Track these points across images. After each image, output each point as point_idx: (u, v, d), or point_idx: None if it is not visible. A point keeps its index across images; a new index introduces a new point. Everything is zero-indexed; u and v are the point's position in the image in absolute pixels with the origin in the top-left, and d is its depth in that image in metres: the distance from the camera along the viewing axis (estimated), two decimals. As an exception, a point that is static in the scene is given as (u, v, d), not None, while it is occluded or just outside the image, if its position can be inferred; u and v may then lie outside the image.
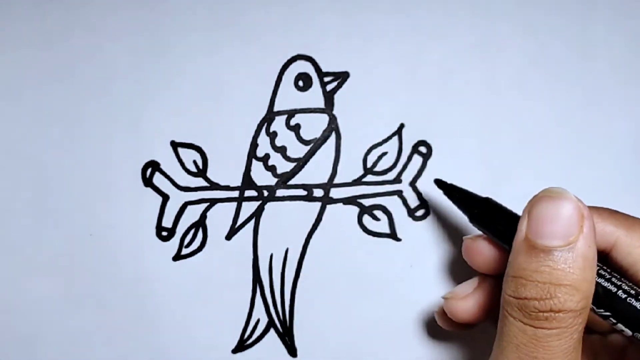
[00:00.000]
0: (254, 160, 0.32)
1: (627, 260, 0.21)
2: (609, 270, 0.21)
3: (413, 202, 0.31)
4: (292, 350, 0.31)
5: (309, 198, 0.32)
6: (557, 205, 0.20)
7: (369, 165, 0.32)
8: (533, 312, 0.19)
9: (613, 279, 0.20)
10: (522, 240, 0.20)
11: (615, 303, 0.20)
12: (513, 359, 0.19)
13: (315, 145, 0.32)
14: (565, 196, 0.20)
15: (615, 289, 0.20)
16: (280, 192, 0.32)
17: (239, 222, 0.32)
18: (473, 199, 0.26)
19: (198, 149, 0.32)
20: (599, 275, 0.20)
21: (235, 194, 0.32)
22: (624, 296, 0.20)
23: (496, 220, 0.25)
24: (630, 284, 0.20)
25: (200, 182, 0.32)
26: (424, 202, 0.31)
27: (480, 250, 0.24)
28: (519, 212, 0.24)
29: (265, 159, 0.32)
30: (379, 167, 0.32)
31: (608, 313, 0.20)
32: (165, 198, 0.32)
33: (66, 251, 0.32)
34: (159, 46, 0.32)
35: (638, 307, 0.20)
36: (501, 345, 0.19)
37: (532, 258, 0.19)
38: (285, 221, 0.31)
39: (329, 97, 0.32)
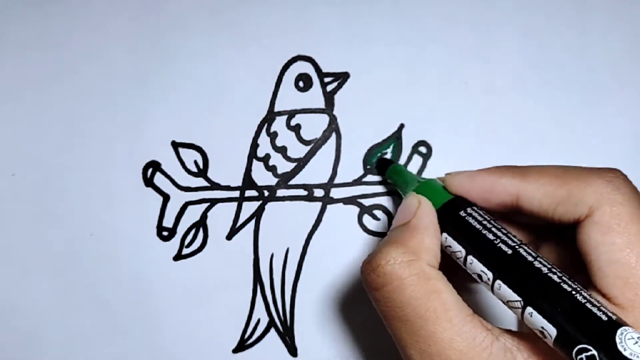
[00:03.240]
0: (254, 161, 0.32)
1: (533, 205, 0.22)
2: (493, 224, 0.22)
3: (413, 202, 0.31)
4: (292, 350, 0.32)
5: (310, 198, 0.32)
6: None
7: (369, 165, 0.32)
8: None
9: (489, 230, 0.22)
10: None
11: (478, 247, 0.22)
12: (392, 327, 0.22)
13: (316, 145, 0.32)
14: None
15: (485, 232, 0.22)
16: (280, 192, 0.32)
17: (240, 222, 0.32)
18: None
19: (199, 149, 0.32)
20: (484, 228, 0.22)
21: (236, 194, 0.32)
22: (491, 237, 0.21)
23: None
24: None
25: (201, 182, 0.32)
26: (424, 202, 0.31)
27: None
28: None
29: (265, 159, 0.32)
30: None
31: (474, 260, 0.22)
32: (166, 198, 0.32)
33: (66, 251, 0.32)
34: (160, 47, 0.32)
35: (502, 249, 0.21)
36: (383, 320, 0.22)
37: None
38: (285, 221, 0.32)
39: (329, 98, 0.32)
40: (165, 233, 0.32)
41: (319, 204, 0.32)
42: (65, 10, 0.32)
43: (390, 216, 0.31)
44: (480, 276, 0.21)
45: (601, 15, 0.32)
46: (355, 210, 0.32)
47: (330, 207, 0.32)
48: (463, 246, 0.22)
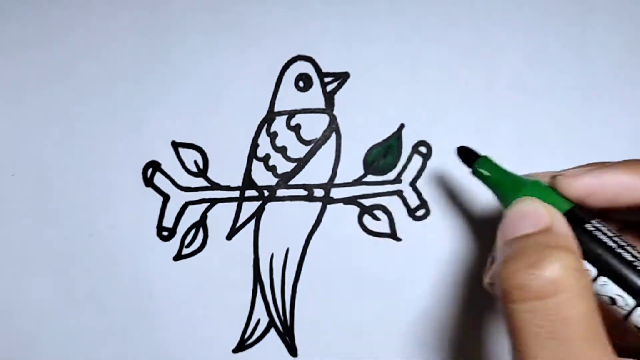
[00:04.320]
0: (254, 161, 0.32)
1: None
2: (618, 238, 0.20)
3: (413, 202, 0.32)
4: (292, 350, 0.31)
5: (310, 198, 0.32)
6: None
7: (369, 165, 0.32)
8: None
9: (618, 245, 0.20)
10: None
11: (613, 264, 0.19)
12: (537, 348, 0.17)
13: (316, 145, 0.32)
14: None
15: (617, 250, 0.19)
16: (280, 192, 0.32)
17: (240, 222, 0.32)
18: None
19: (199, 149, 0.32)
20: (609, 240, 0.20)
21: (236, 194, 0.32)
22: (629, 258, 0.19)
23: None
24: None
25: (201, 182, 0.32)
26: (424, 202, 0.31)
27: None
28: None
29: (265, 159, 0.32)
30: (380, 167, 0.32)
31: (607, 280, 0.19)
32: (166, 198, 0.32)
33: (66, 251, 0.32)
34: (160, 47, 0.32)
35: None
36: (519, 344, 0.18)
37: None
38: (285, 221, 0.31)
39: (329, 98, 0.32)
40: (165, 233, 0.32)
41: (319, 204, 0.32)
42: (65, 10, 0.32)
43: (390, 216, 0.31)
44: (614, 300, 0.19)
45: (601, 14, 0.32)
46: (356, 210, 0.32)
47: (330, 207, 0.32)
48: (594, 265, 0.19)
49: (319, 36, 0.32)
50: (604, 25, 0.32)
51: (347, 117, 0.32)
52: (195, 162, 0.32)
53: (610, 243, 0.19)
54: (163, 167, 0.32)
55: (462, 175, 0.32)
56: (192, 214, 0.32)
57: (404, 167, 0.32)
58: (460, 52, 0.32)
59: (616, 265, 0.19)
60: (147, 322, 0.31)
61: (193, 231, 0.32)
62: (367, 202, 0.32)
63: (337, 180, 0.32)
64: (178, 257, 0.32)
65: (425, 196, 0.32)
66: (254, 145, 0.32)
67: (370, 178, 0.32)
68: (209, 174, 0.32)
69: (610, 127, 0.32)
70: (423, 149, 0.32)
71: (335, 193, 0.32)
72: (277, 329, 0.32)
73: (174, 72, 0.32)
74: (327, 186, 0.32)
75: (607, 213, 0.21)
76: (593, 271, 0.19)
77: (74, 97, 0.32)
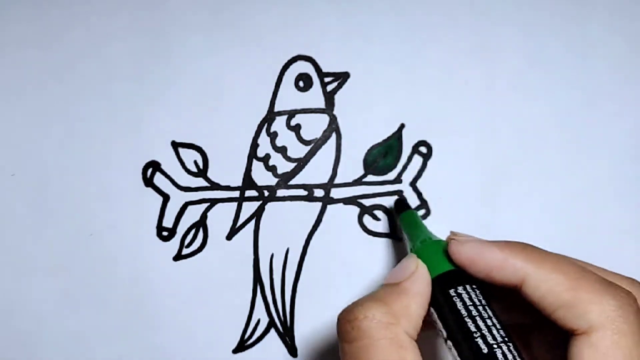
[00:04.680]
0: (254, 161, 0.32)
1: (535, 295, 0.21)
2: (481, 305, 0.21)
3: (413, 202, 0.31)
4: (292, 350, 0.31)
5: (310, 198, 0.32)
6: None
7: (369, 165, 0.32)
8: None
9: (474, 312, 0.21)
10: None
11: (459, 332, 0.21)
12: None
13: (316, 145, 0.32)
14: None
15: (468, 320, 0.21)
16: (280, 192, 0.32)
17: (240, 222, 0.32)
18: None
19: (199, 149, 0.32)
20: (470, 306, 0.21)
21: (236, 194, 0.32)
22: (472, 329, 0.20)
23: None
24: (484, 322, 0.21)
25: (200, 182, 0.32)
26: (424, 202, 0.31)
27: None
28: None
29: (265, 159, 0.32)
30: (380, 167, 0.32)
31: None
32: (166, 198, 0.32)
33: (66, 251, 0.32)
34: (160, 46, 0.32)
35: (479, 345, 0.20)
36: None
37: None
38: (285, 221, 0.31)
39: (329, 98, 0.32)
40: (165, 233, 0.32)
41: (319, 204, 0.31)
42: (65, 9, 0.32)
43: (390, 216, 0.31)
44: None
45: (602, 14, 0.32)
46: (356, 210, 0.32)
47: (330, 207, 0.31)
48: (444, 328, 0.21)
49: (319, 36, 0.32)
50: (604, 25, 0.32)
51: (347, 117, 0.32)
52: (195, 162, 0.32)
53: (463, 311, 0.21)
54: (163, 167, 0.32)
55: (462, 175, 0.32)
56: (192, 214, 0.32)
57: (404, 167, 0.32)
58: (460, 52, 0.32)
59: (457, 332, 0.20)
60: (147, 322, 0.31)
61: (193, 231, 0.32)
62: (367, 202, 0.32)
63: (337, 180, 0.32)
64: (178, 257, 0.32)
65: (426, 196, 0.32)
66: (254, 145, 0.32)
67: (370, 178, 0.32)
68: (209, 174, 0.32)
69: (610, 127, 0.32)
70: (423, 149, 0.32)
71: (335, 193, 0.32)
72: (277, 329, 0.32)
73: (173, 72, 0.32)
74: (327, 186, 0.32)
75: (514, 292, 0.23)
76: (444, 333, 0.21)
77: (73, 97, 0.32)
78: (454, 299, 0.21)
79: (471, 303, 0.21)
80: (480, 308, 0.21)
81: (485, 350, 0.20)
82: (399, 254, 0.31)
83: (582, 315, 0.20)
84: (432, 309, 0.22)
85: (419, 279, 0.22)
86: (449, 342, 0.21)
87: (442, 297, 0.22)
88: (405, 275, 0.22)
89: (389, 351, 0.20)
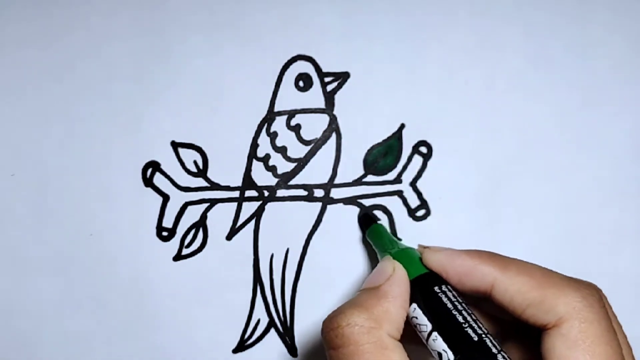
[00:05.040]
0: (254, 161, 0.32)
1: (505, 299, 0.22)
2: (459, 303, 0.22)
3: (413, 202, 0.31)
4: (292, 350, 0.31)
5: (310, 198, 0.32)
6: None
7: (369, 165, 0.32)
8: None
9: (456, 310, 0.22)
10: None
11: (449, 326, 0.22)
12: None
13: (316, 145, 0.32)
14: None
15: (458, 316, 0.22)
16: (280, 193, 0.32)
17: (240, 222, 0.32)
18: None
19: (198, 149, 0.32)
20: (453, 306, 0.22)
21: (236, 194, 0.32)
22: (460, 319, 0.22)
23: None
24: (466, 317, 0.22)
25: (200, 182, 0.32)
26: (424, 202, 0.31)
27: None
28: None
29: (265, 159, 0.32)
30: (380, 167, 0.32)
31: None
32: (166, 198, 0.32)
33: (66, 251, 0.32)
34: (160, 46, 0.32)
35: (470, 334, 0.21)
36: None
37: None
38: (285, 221, 0.31)
39: (329, 97, 0.32)
40: (165, 233, 0.32)
41: (319, 204, 0.31)
42: (65, 9, 0.32)
43: (390, 216, 0.31)
44: (440, 355, 0.21)
45: (602, 14, 0.32)
46: (356, 210, 0.31)
47: (330, 208, 0.31)
48: (430, 321, 0.22)
49: (319, 36, 0.32)
50: (604, 25, 0.32)
51: (347, 117, 0.32)
52: (195, 162, 0.32)
53: (449, 305, 0.22)
54: (163, 167, 0.32)
55: (462, 175, 0.32)
56: (192, 214, 0.32)
57: (404, 167, 0.32)
58: (460, 52, 0.32)
59: (446, 324, 0.22)
60: (147, 323, 0.31)
61: (193, 231, 0.32)
62: (367, 202, 0.31)
63: (337, 181, 0.32)
64: (178, 257, 0.32)
65: (426, 196, 0.32)
66: (254, 145, 0.32)
67: (370, 178, 0.32)
68: (209, 174, 0.32)
69: (610, 127, 0.32)
70: (423, 149, 0.32)
71: (335, 193, 0.32)
72: (277, 329, 0.32)
73: (173, 72, 0.32)
74: (327, 186, 0.32)
75: (480, 303, 0.24)
76: (429, 326, 0.22)
77: (73, 97, 0.32)
78: (439, 294, 0.22)
79: (455, 299, 0.22)
80: (461, 305, 0.22)
81: (476, 339, 0.21)
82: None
83: (550, 310, 0.21)
84: (414, 308, 0.23)
85: (397, 280, 0.23)
86: (435, 334, 0.22)
87: (427, 294, 0.23)
88: (383, 278, 0.23)
89: (374, 355, 0.21)
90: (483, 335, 0.21)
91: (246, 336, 0.32)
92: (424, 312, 0.22)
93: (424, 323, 0.22)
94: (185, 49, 0.32)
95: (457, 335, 0.21)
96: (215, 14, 0.32)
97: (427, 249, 0.24)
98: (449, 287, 0.23)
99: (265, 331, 0.31)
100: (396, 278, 0.23)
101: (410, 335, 0.22)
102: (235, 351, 0.32)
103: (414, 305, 0.23)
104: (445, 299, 0.22)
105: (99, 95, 0.32)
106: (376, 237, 0.29)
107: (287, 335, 0.32)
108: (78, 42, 0.32)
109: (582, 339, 0.20)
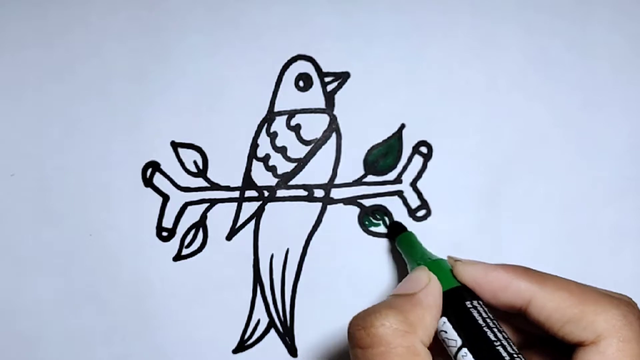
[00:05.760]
0: (254, 161, 0.32)
1: (542, 315, 0.22)
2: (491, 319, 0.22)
3: (414, 202, 0.31)
4: (292, 351, 0.31)
5: (310, 198, 0.32)
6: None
7: (369, 165, 0.32)
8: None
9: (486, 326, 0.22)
10: None
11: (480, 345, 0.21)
12: None
13: (316, 145, 0.32)
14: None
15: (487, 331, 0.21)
16: (280, 193, 0.32)
17: (240, 222, 0.32)
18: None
19: (198, 149, 0.32)
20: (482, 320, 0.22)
21: (236, 194, 0.32)
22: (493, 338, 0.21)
23: None
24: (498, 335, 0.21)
25: (200, 182, 0.32)
26: (424, 203, 0.31)
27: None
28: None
29: (265, 159, 0.32)
30: (380, 167, 0.32)
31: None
32: (166, 198, 0.32)
33: (66, 251, 0.32)
34: (159, 46, 0.32)
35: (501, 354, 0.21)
36: None
37: None
38: (285, 221, 0.31)
39: (329, 97, 0.32)
40: (164, 233, 0.32)
41: (319, 205, 0.31)
42: (64, 9, 0.32)
43: (390, 217, 0.31)
44: None
45: (603, 14, 0.32)
46: (356, 210, 0.31)
47: (330, 208, 0.31)
48: (460, 337, 0.22)
49: (319, 35, 0.32)
50: (605, 25, 0.32)
51: (347, 117, 0.32)
52: (195, 162, 0.32)
53: (480, 322, 0.21)
54: (162, 167, 0.32)
55: (462, 175, 0.31)
56: (192, 215, 0.32)
57: (405, 167, 0.32)
58: (461, 52, 0.32)
59: (478, 341, 0.21)
60: (147, 323, 0.31)
61: (193, 231, 0.32)
62: (367, 202, 0.31)
63: (337, 181, 0.32)
64: (178, 257, 0.32)
65: (426, 196, 0.31)
66: (254, 145, 0.32)
67: (370, 178, 0.32)
68: (209, 174, 0.32)
69: (611, 126, 0.32)
70: (424, 149, 0.32)
71: (336, 193, 0.32)
72: (277, 330, 0.32)
73: (173, 72, 0.32)
74: (327, 186, 0.32)
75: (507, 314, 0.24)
76: (458, 341, 0.21)
77: (73, 97, 0.32)
78: (470, 310, 0.22)
79: (486, 316, 0.22)
80: (492, 322, 0.22)
81: (507, 358, 0.20)
82: (399, 254, 0.31)
83: (589, 327, 0.21)
84: (444, 321, 0.22)
85: (432, 291, 0.22)
86: (464, 350, 0.21)
87: (458, 309, 0.22)
88: (419, 286, 0.23)
89: (405, 358, 0.20)
90: (515, 355, 0.20)
91: (246, 336, 0.31)
92: (454, 327, 0.22)
93: (454, 338, 0.22)
94: (185, 49, 0.32)
95: (488, 353, 0.21)
96: (215, 14, 0.32)
97: (459, 262, 0.24)
98: (480, 302, 0.23)
99: (265, 331, 0.31)
100: (432, 288, 0.23)
101: (434, 349, 0.22)
102: (235, 351, 0.31)
103: (444, 319, 0.22)
104: (476, 315, 0.22)
105: (99, 95, 0.32)
106: (407, 246, 0.29)
107: (287, 336, 0.32)
108: (78, 42, 0.32)
109: (620, 358, 0.20)
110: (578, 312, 0.21)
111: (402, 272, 0.31)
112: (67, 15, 0.32)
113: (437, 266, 0.24)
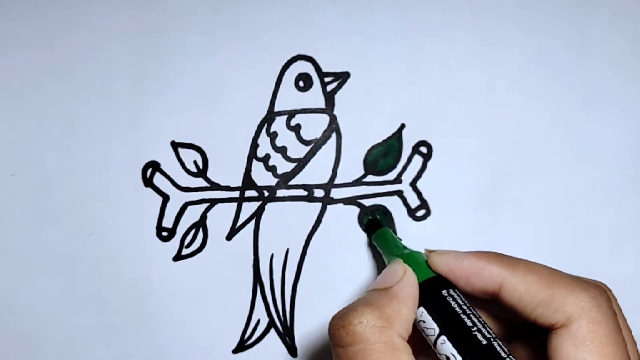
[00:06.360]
0: (254, 161, 0.32)
1: (514, 299, 0.22)
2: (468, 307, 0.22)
3: (414, 202, 0.31)
4: (292, 351, 0.31)
5: (310, 198, 0.32)
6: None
7: (369, 165, 0.32)
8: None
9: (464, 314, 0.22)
10: None
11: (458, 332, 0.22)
12: None
13: (316, 145, 0.32)
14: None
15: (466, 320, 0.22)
16: (280, 193, 0.32)
17: (240, 222, 0.32)
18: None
19: (198, 149, 0.32)
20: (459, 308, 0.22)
21: (236, 194, 0.32)
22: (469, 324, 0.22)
23: None
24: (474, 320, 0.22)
25: (200, 182, 0.32)
26: (424, 203, 0.31)
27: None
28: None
29: (265, 159, 0.32)
30: (380, 167, 0.32)
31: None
32: (166, 198, 0.32)
33: (66, 251, 0.32)
34: (159, 46, 0.32)
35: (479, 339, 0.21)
36: None
37: None
38: (285, 221, 0.31)
39: (329, 97, 0.32)
40: (164, 233, 0.32)
41: (319, 205, 0.31)
42: (64, 9, 0.32)
43: (390, 216, 0.31)
44: (448, 358, 0.21)
45: (602, 14, 0.32)
46: (356, 210, 0.31)
47: (330, 208, 0.31)
48: (438, 325, 0.22)
49: (319, 35, 0.32)
50: (604, 25, 0.32)
51: (347, 117, 0.32)
52: (195, 162, 0.32)
53: (457, 309, 0.22)
54: (162, 167, 0.32)
55: (462, 175, 0.31)
56: (192, 214, 0.32)
57: (404, 167, 0.32)
58: (461, 52, 0.32)
59: (454, 327, 0.21)
60: (147, 323, 0.31)
61: (193, 231, 0.32)
62: (367, 202, 0.31)
63: (337, 181, 0.32)
64: (178, 257, 0.32)
65: (426, 196, 0.32)
66: (254, 145, 0.32)
67: (370, 178, 0.32)
68: (209, 174, 0.32)
69: (610, 127, 0.32)
70: (423, 149, 0.32)
71: (336, 193, 0.32)
72: (277, 330, 0.32)
73: (173, 72, 0.32)
74: (327, 186, 0.32)
75: (485, 305, 0.24)
76: (437, 330, 0.22)
77: (73, 97, 0.32)
78: (447, 298, 0.22)
79: (462, 303, 0.22)
80: (469, 309, 0.22)
81: (484, 342, 0.21)
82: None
83: (559, 309, 0.21)
84: (422, 311, 0.23)
85: (408, 283, 0.23)
86: (443, 337, 0.22)
87: (435, 298, 0.23)
88: (394, 280, 0.23)
89: (384, 354, 0.21)
90: (492, 339, 0.21)
91: (246, 336, 0.32)
92: (432, 316, 0.22)
93: (432, 327, 0.22)
94: (185, 49, 0.32)
95: (466, 339, 0.21)
96: (215, 14, 0.32)
97: (433, 253, 0.24)
98: (456, 290, 0.23)
99: (265, 331, 0.31)
100: (407, 280, 0.23)
101: (415, 340, 0.22)
102: (235, 351, 0.32)
103: (422, 309, 0.23)
104: (453, 303, 0.22)
105: (99, 95, 0.32)
106: (383, 241, 0.29)
107: (287, 336, 0.32)
108: (77, 42, 0.32)
109: (590, 339, 0.20)
110: (547, 295, 0.21)
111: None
112: (67, 15, 0.32)
113: (413, 258, 0.25)
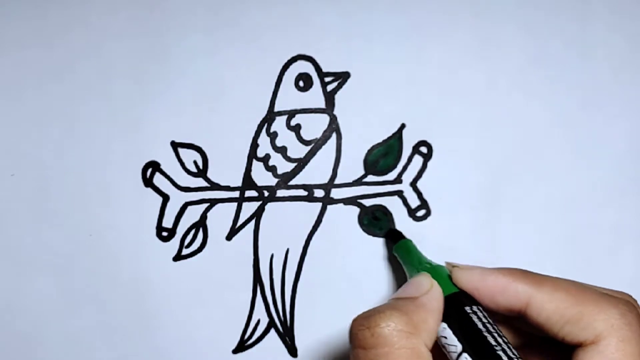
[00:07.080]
0: (254, 161, 0.32)
1: (541, 317, 0.22)
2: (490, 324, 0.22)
3: (414, 202, 0.31)
4: (292, 351, 0.31)
5: (310, 198, 0.31)
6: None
7: (369, 165, 0.32)
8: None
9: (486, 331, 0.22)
10: None
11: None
12: None
13: (316, 145, 0.32)
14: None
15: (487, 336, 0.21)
16: (280, 193, 0.32)
17: (240, 222, 0.32)
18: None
19: (198, 149, 0.32)
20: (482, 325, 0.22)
21: (236, 194, 0.32)
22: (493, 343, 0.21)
23: None
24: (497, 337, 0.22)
25: (200, 182, 0.32)
26: (424, 203, 0.31)
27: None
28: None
29: (265, 159, 0.32)
30: (380, 167, 0.32)
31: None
32: (166, 198, 0.32)
33: (66, 251, 0.32)
34: (159, 46, 0.32)
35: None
36: None
37: None
38: (285, 221, 0.31)
39: (329, 97, 0.32)
40: (164, 233, 0.32)
41: (319, 205, 0.31)
42: (64, 9, 0.32)
43: (390, 216, 0.31)
44: None
45: (602, 14, 0.32)
46: (356, 210, 0.31)
47: (330, 208, 0.31)
48: (461, 342, 0.22)
49: (320, 35, 0.32)
50: (604, 25, 0.32)
51: (347, 117, 0.32)
52: (195, 162, 0.32)
53: (480, 326, 0.21)
54: (162, 167, 0.32)
55: (462, 175, 0.31)
56: (192, 215, 0.32)
57: (405, 167, 0.32)
58: (461, 52, 0.32)
59: (478, 346, 0.21)
60: (147, 323, 0.31)
61: (193, 231, 0.32)
62: (367, 202, 0.31)
63: (337, 181, 0.32)
64: (178, 257, 0.32)
65: (426, 196, 0.31)
66: (254, 145, 0.32)
67: (370, 178, 0.32)
68: (209, 174, 0.32)
69: (610, 126, 0.32)
70: (424, 149, 0.32)
71: (336, 193, 0.32)
72: (277, 330, 0.32)
73: (173, 72, 0.32)
74: (327, 186, 0.32)
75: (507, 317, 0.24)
76: (459, 347, 0.21)
77: (73, 97, 0.32)
78: (470, 315, 0.22)
79: (486, 321, 0.22)
80: (492, 326, 0.22)
81: None
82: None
83: (588, 327, 0.21)
84: (444, 327, 0.22)
85: (435, 295, 0.23)
86: (465, 355, 0.21)
87: (458, 314, 0.22)
88: (421, 291, 0.23)
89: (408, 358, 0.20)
90: (515, 359, 0.20)
91: (246, 336, 0.31)
92: (454, 332, 0.22)
93: (454, 344, 0.22)
94: (185, 49, 0.32)
95: (489, 358, 0.21)
96: (215, 14, 0.32)
97: (456, 268, 0.24)
98: (479, 307, 0.23)
99: (265, 331, 0.31)
100: (434, 292, 0.23)
101: (433, 355, 0.22)
102: (235, 351, 0.31)
103: (444, 324, 0.22)
104: (476, 320, 0.22)
105: (99, 95, 0.32)
106: (405, 253, 0.29)
107: (287, 336, 0.32)
108: (77, 42, 0.32)
109: (619, 358, 0.20)
110: (577, 312, 0.21)
111: (402, 272, 0.31)
112: (67, 15, 0.32)
113: (436, 272, 0.24)
